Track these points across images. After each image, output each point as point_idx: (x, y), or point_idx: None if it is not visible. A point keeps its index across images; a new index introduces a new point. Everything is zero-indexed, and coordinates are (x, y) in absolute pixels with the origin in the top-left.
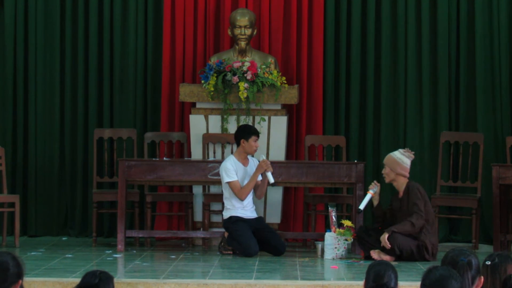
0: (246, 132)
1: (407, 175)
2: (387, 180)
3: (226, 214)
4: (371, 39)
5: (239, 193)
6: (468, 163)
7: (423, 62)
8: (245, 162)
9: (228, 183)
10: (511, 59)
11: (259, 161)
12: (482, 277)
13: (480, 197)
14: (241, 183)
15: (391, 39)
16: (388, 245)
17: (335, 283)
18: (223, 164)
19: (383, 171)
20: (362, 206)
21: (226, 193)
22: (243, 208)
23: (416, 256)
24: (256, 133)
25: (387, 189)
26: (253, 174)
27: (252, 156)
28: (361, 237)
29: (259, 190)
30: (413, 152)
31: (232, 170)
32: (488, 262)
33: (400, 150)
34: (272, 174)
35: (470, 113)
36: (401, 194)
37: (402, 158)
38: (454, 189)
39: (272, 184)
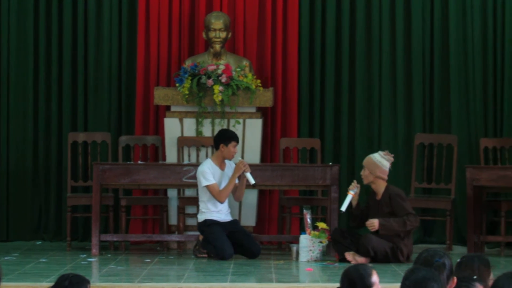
0: (226, 137)
1: (386, 178)
2: (365, 182)
3: (201, 218)
4: (345, 42)
5: (218, 196)
6: (442, 165)
7: (397, 65)
8: (222, 165)
9: (207, 186)
10: (484, 62)
11: (235, 164)
12: (455, 278)
13: (454, 198)
14: (220, 186)
15: (365, 42)
16: (376, 226)
17: (310, 286)
18: (200, 168)
19: (362, 173)
20: (344, 208)
21: (203, 196)
22: (218, 212)
23: (391, 258)
24: (236, 139)
25: (366, 190)
26: (231, 176)
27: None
28: (336, 239)
29: (237, 192)
30: (392, 155)
31: (209, 173)
32: (458, 260)
33: (380, 152)
34: (251, 174)
35: (444, 115)
36: (379, 196)
37: (382, 161)
38: (428, 191)
39: (253, 185)
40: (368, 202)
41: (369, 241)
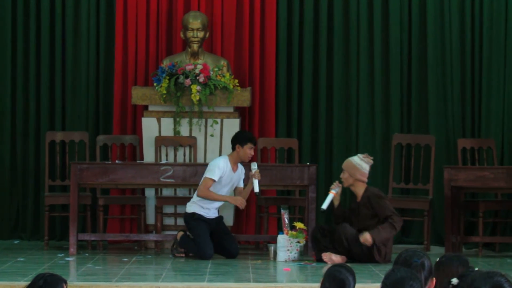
0: (242, 138)
1: (366, 180)
2: (345, 185)
3: (190, 209)
4: (323, 42)
5: (202, 190)
6: (420, 165)
7: (375, 64)
8: (234, 167)
9: (205, 177)
10: (462, 63)
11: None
12: (434, 279)
13: (431, 199)
14: (224, 186)
15: (343, 42)
16: (370, 241)
17: (288, 285)
18: (215, 160)
19: (341, 176)
20: (325, 206)
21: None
22: (208, 209)
23: (368, 257)
24: (253, 141)
25: (348, 190)
26: (227, 197)
27: (246, 162)
28: (315, 237)
29: (242, 196)
30: (372, 158)
31: (220, 169)
32: (437, 259)
33: (360, 155)
34: (259, 182)
35: (422, 115)
36: (359, 198)
37: (361, 164)
38: (406, 191)
39: (256, 194)
40: (351, 205)
41: (345, 230)
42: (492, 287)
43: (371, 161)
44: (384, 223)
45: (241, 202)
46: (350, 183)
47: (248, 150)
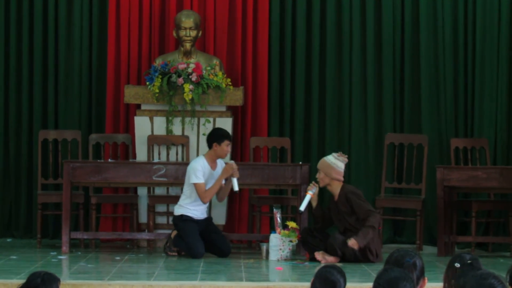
0: (219, 136)
1: (342, 179)
2: (321, 185)
3: (178, 211)
4: (316, 42)
5: (203, 195)
6: (412, 165)
7: (368, 64)
8: (213, 165)
9: (194, 184)
10: (455, 62)
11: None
12: (426, 278)
13: (424, 198)
14: (206, 185)
15: (336, 41)
16: (357, 246)
17: (280, 285)
18: (192, 163)
19: (317, 176)
20: (302, 207)
21: (188, 192)
22: (196, 210)
23: (360, 257)
24: (229, 138)
25: (326, 190)
26: (218, 178)
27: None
28: (305, 239)
29: (221, 193)
30: (346, 156)
31: (200, 171)
32: (458, 265)
33: (334, 154)
34: (238, 180)
35: (415, 115)
36: (336, 197)
37: (336, 162)
38: (399, 191)
39: (235, 192)
40: (329, 205)
41: (336, 240)
42: None
43: (346, 160)
44: (364, 224)
45: (230, 168)
46: (327, 182)
47: (225, 147)
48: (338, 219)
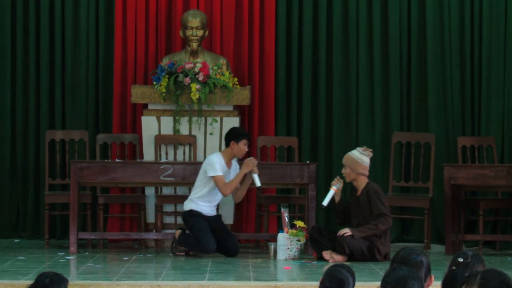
0: (237, 135)
1: (367, 173)
2: (347, 180)
3: (187, 206)
4: (322, 40)
5: (224, 188)
6: (419, 163)
7: (375, 63)
8: (229, 163)
9: (213, 177)
10: (461, 60)
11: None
12: (432, 276)
13: (432, 197)
14: None
15: (342, 40)
16: (349, 233)
17: (288, 284)
18: (209, 157)
19: (343, 171)
20: (325, 202)
21: (201, 186)
22: (206, 206)
23: (368, 256)
24: (247, 137)
25: (348, 186)
26: (239, 172)
27: (239, 159)
28: (313, 238)
29: (239, 192)
30: (371, 150)
31: (218, 164)
32: (461, 259)
33: (359, 149)
34: (259, 176)
35: (422, 113)
36: (359, 192)
37: (361, 157)
38: (406, 189)
39: (258, 188)
40: (350, 199)
41: (345, 239)
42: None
43: (371, 154)
44: (376, 219)
45: (251, 162)
46: (353, 177)
47: (243, 146)
48: (355, 214)
